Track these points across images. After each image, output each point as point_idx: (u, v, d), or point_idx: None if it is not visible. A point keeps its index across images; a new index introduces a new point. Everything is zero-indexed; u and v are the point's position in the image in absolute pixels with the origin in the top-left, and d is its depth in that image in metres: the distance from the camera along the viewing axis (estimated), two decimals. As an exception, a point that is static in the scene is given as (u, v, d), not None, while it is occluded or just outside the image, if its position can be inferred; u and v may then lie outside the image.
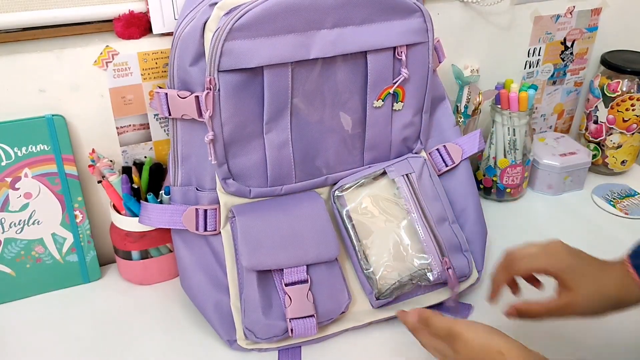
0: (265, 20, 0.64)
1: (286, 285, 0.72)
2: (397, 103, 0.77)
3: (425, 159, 0.81)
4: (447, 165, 0.83)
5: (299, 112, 0.73)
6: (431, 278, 0.75)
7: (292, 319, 0.71)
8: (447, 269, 0.75)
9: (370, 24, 0.70)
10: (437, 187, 0.80)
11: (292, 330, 0.71)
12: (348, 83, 0.74)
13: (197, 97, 0.68)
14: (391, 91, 0.76)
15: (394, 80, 0.75)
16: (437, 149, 0.83)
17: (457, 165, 0.83)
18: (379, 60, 0.73)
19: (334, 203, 0.77)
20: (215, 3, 0.66)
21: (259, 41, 0.65)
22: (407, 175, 0.78)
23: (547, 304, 0.66)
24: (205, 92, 0.67)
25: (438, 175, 0.83)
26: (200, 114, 0.69)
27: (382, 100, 0.76)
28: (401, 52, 0.73)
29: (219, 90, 0.67)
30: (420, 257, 0.76)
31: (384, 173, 0.79)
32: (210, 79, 0.66)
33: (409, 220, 0.77)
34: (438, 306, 0.79)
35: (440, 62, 0.81)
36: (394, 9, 0.71)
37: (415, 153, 0.82)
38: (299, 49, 0.67)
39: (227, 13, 0.65)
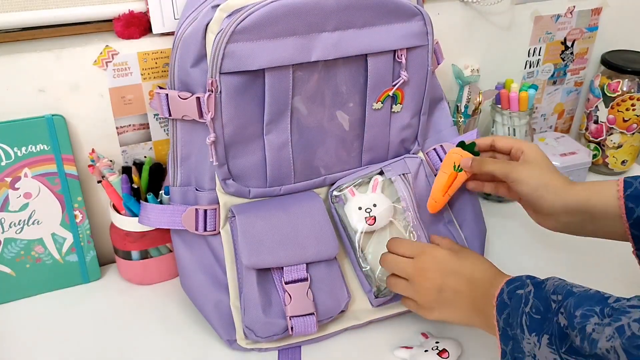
0: (267, 23, 0.64)
1: (286, 283, 0.72)
2: (396, 105, 0.78)
3: (422, 159, 0.81)
4: (445, 165, 0.83)
5: (299, 113, 0.73)
6: None
7: (292, 317, 0.71)
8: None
9: (372, 27, 0.70)
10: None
11: (292, 328, 0.71)
12: (348, 85, 0.74)
13: (198, 98, 0.68)
14: (390, 93, 0.76)
15: (394, 83, 0.76)
16: (434, 149, 0.84)
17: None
18: (379, 63, 0.73)
19: (332, 203, 0.77)
20: (218, 5, 0.66)
21: (261, 44, 0.65)
22: (403, 174, 0.78)
23: (498, 160, 0.77)
24: (207, 94, 0.67)
25: (435, 175, 0.83)
26: (200, 115, 0.69)
27: (382, 103, 0.76)
28: (401, 55, 0.74)
29: (220, 92, 0.67)
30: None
31: (381, 173, 0.79)
32: (212, 81, 0.66)
33: (405, 219, 0.77)
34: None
35: (438, 64, 0.81)
36: (395, 12, 0.71)
37: (413, 154, 0.82)
38: (300, 52, 0.67)
39: (230, 15, 0.65)
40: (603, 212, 0.68)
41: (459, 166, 0.77)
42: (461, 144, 0.79)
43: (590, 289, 0.54)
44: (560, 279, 0.58)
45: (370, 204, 0.75)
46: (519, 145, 0.76)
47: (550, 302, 0.55)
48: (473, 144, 0.79)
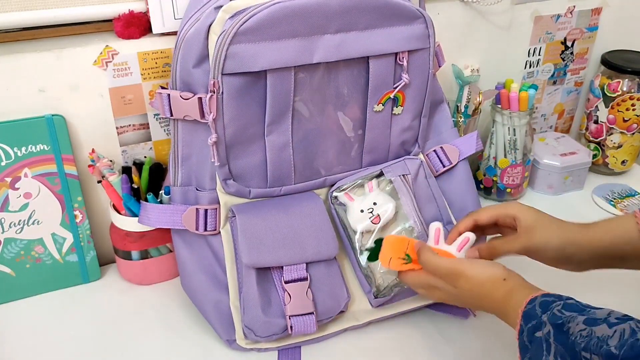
0: (269, 25, 0.64)
1: (286, 282, 0.72)
2: (396, 107, 0.78)
3: (422, 161, 0.81)
4: (444, 166, 0.83)
5: (300, 115, 0.73)
6: None
7: (292, 316, 0.71)
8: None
9: (373, 30, 0.70)
10: (433, 189, 0.81)
11: (291, 327, 0.71)
12: (349, 87, 0.74)
13: (200, 98, 0.68)
14: (392, 96, 0.76)
15: (395, 85, 0.76)
16: (434, 150, 0.84)
17: (455, 165, 0.84)
18: (381, 65, 0.73)
19: (332, 203, 0.78)
20: (221, 6, 0.66)
21: (263, 45, 0.65)
22: (403, 176, 0.78)
23: (507, 239, 0.71)
24: (209, 94, 0.67)
25: (436, 176, 0.83)
26: (202, 116, 0.69)
27: (383, 105, 0.76)
28: (402, 57, 0.74)
29: (222, 93, 0.67)
30: None
31: (381, 174, 0.79)
32: (214, 82, 0.66)
33: (406, 219, 0.77)
34: (439, 304, 0.79)
35: (440, 67, 0.81)
36: (397, 15, 0.71)
37: (413, 155, 0.82)
38: (302, 54, 0.67)
39: (232, 16, 0.65)
40: (631, 252, 0.66)
41: (407, 256, 0.70)
42: (373, 255, 0.74)
43: (624, 339, 0.48)
44: (576, 310, 0.53)
45: (370, 204, 0.76)
46: (505, 212, 0.72)
47: (582, 359, 0.50)
48: (374, 246, 0.73)
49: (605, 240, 0.67)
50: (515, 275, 0.63)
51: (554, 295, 0.57)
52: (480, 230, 0.73)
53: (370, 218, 0.75)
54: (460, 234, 0.71)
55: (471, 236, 0.70)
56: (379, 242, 0.73)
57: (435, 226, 0.72)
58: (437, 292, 0.67)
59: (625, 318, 0.51)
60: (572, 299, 0.56)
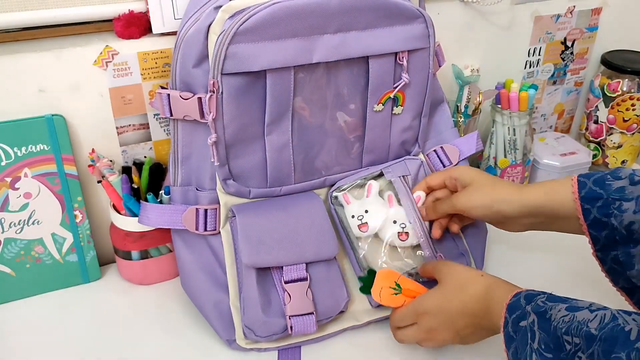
0: (269, 25, 0.64)
1: (286, 282, 0.72)
2: (396, 107, 0.78)
3: (422, 161, 0.81)
4: (444, 166, 0.83)
5: (300, 115, 0.73)
6: None
7: (292, 316, 0.71)
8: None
9: (373, 30, 0.70)
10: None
11: (291, 327, 0.71)
12: (349, 87, 0.74)
13: (199, 98, 0.68)
14: (392, 96, 0.76)
15: (395, 85, 0.76)
16: (435, 150, 0.84)
17: (455, 165, 0.84)
18: (381, 65, 0.73)
19: (332, 203, 0.78)
20: (220, 6, 0.66)
21: (263, 45, 0.65)
22: (403, 176, 0.79)
23: (443, 199, 0.76)
24: (209, 94, 0.67)
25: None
26: (202, 116, 0.69)
27: (383, 105, 0.76)
28: (402, 57, 0.74)
29: (222, 93, 0.67)
30: (417, 254, 0.76)
31: (381, 174, 0.79)
32: (213, 82, 0.66)
33: (406, 219, 0.77)
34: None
35: (440, 66, 0.81)
36: (397, 15, 0.71)
37: (413, 155, 0.82)
38: (302, 54, 0.67)
39: (232, 16, 0.65)
40: (562, 213, 0.67)
41: (397, 285, 0.71)
42: (365, 287, 0.74)
43: (605, 323, 0.50)
44: (559, 301, 0.55)
45: (362, 211, 0.76)
46: (449, 174, 0.76)
47: (564, 342, 0.52)
48: (366, 276, 0.74)
49: (539, 198, 0.69)
50: (490, 275, 0.66)
51: (538, 290, 0.59)
52: (433, 190, 0.79)
53: (358, 225, 0.75)
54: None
55: (422, 195, 0.77)
56: (371, 273, 0.74)
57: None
58: (427, 320, 0.68)
59: (606, 307, 0.52)
60: (555, 294, 0.57)
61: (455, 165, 0.82)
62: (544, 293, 0.58)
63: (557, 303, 0.55)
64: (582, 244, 0.68)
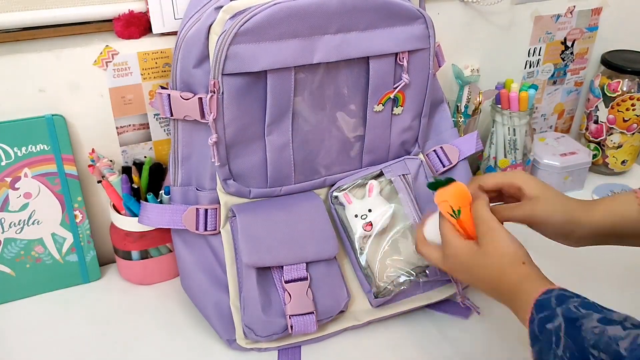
0: (270, 25, 0.64)
1: (286, 282, 0.72)
2: (397, 107, 0.78)
3: (422, 161, 0.81)
4: (444, 166, 0.83)
5: (301, 115, 0.73)
6: (428, 272, 0.76)
7: (292, 315, 0.71)
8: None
9: (374, 30, 0.70)
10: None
11: (291, 327, 0.71)
12: (349, 87, 0.74)
13: (200, 99, 0.68)
14: (392, 96, 0.76)
15: (395, 85, 0.76)
16: (434, 150, 0.84)
17: (454, 165, 0.84)
18: (381, 65, 0.73)
19: (332, 203, 0.78)
20: (221, 6, 0.66)
21: (264, 45, 0.65)
22: (403, 175, 0.79)
23: (511, 206, 0.70)
24: (210, 95, 0.67)
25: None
26: (202, 116, 0.69)
27: (383, 105, 0.76)
28: (403, 57, 0.74)
29: (222, 93, 0.67)
30: (417, 254, 0.76)
31: (381, 174, 0.79)
32: (214, 82, 0.66)
33: (406, 219, 0.77)
34: (439, 304, 0.79)
35: (440, 67, 0.81)
36: (397, 15, 0.71)
37: (413, 155, 0.82)
38: (302, 54, 0.67)
39: (233, 17, 0.65)
40: (631, 231, 0.66)
41: (458, 211, 0.68)
42: (435, 184, 0.69)
43: (636, 342, 0.47)
44: (593, 309, 0.52)
45: (365, 210, 0.76)
46: (511, 181, 0.71)
47: (589, 356, 0.49)
48: (443, 180, 0.69)
49: (606, 220, 0.67)
50: (533, 264, 0.62)
51: (573, 292, 0.56)
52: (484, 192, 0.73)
53: (362, 224, 0.75)
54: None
55: (414, 222, 0.74)
56: (450, 180, 0.69)
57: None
58: (454, 263, 0.65)
59: None
60: (589, 300, 0.55)
61: (513, 171, 0.75)
62: (578, 296, 0.55)
63: (590, 312, 0.52)
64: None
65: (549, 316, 0.54)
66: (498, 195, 0.74)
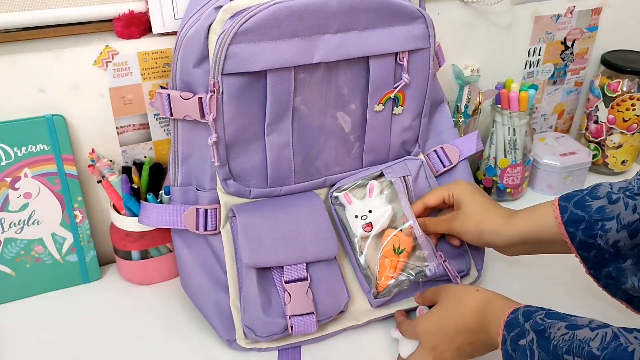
0: (270, 25, 0.64)
1: (286, 282, 0.72)
2: (397, 107, 0.78)
3: (422, 161, 0.81)
4: (444, 166, 0.83)
5: (301, 115, 0.73)
6: (428, 273, 0.75)
7: (292, 316, 0.71)
8: (443, 261, 0.76)
9: (374, 30, 0.70)
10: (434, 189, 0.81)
11: (292, 327, 0.71)
12: (349, 87, 0.74)
13: (200, 99, 0.68)
14: (392, 96, 0.76)
15: (395, 85, 0.76)
16: (435, 150, 0.84)
17: (455, 165, 0.84)
18: (381, 65, 0.73)
19: (332, 204, 0.78)
20: (221, 6, 0.66)
21: (263, 45, 0.65)
22: (403, 177, 0.79)
23: (437, 219, 0.77)
24: (209, 95, 0.67)
25: (436, 177, 0.83)
26: (202, 116, 0.69)
27: (383, 105, 0.76)
28: (403, 57, 0.74)
29: (222, 93, 0.67)
30: (417, 254, 0.76)
31: (381, 175, 0.79)
32: (214, 82, 0.66)
33: (406, 219, 0.77)
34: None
35: (440, 66, 0.81)
36: (398, 15, 0.71)
37: (413, 155, 0.82)
38: (302, 54, 0.67)
39: (232, 17, 0.65)
40: (549, 239, 0.68)
41: (399, 248, 0.75)
42: None
43: (606, 342, 0.49)
44: (558, 318, 0.54)
45: (365, 211, 0.76)
46: (448, 191, 0.76)
47: None
48: None
49: (523, 227, 0.70)
50: (486, 289, 0.66)
51: (536, 306, 0.58)
52: (432, 211, 0.80)
53: (362, 225, 0.75)
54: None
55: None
56: None
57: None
58: (428, 339, 0.68)
59: (607, 325, 0.51)
60: (553, 310, 0.57)
61: (454, 182, 0.79)
62: (543, 309, 0.57)
63: (556, 321, 0.54)
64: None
65: (519, 333, 0.56)
66: (446, 206, 0.79)
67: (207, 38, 0.68)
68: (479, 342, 0.64)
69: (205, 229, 0.75)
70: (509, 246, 0.72)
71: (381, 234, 0.76)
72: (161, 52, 0.80)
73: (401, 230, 0.76)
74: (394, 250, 0.75)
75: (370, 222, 0.75)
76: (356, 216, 0.76)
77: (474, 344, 0.64)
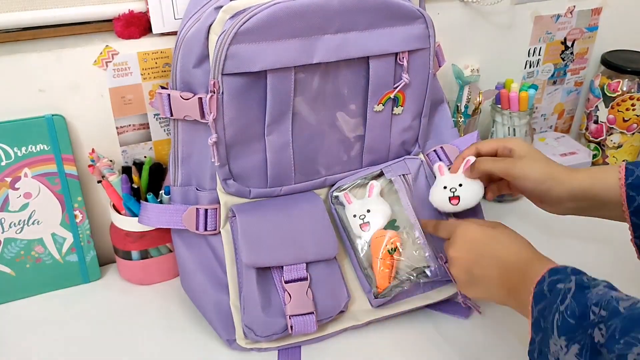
0: (270, 25, 0.64)
1: (286, 282, 0.72)
2: (397, 107, 0.78)
3: (422, 161, 0.81)
4: (444, 166, 0.83)
5: (301, 115, 0.73)
6: (429, 274, 0.75)
7: (292, 315, 0.71)
8: (444, 263, 0.76)
9: (374, 30, 0.70)
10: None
11: (291, 327, 0.71)
12: (349, 87, 0.74)
13: (200, 99, 0.68)
14: (392, 96, 0.76)
15: (395, 85, 0.76)
16: (435, 150, 0.84)
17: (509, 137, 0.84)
18: (381, 65, 0.73)
19: (332, 203, 0.78)
20: (221, 6, 0.66)
21: (264, 45, 0.65)
22: (403, 175, 0.79)
23: (495, 158, 0.75)
24: (209, 95, 0.67)
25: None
26: (202, 116, 0.69)
27: (383, 105, 0.76)
28: (403, 57, 0.74)
29: (222, 93, 0.67)
30: (418, 255, 0.76)
31: (381, 174, 0.79)
32: (214, 82, 0.66)
33: (406, 219, 0.77)
34: (439, 304, 0.79)
35: (440, 66, 0.81)
36: (397, 15, 0.71)
37: (413, 155, 0.82)
38: (302, 54, 0.67)
39: (233, 17, 0.65)
40: (606, 198, 0.68)
41: (392, 249, 0.75)
42: None
43: (636, 306, 0.49)
44: (607, 285, 0.54)
45: (364, 211, 0.76)
46: (504, 144, 0.75)
47: (590, 312, 0.51)
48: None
49: (585, 181, 0.69)
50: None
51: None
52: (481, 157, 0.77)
53: (360, 224, 0.75)
54: (463, 160, 0.76)
55: (471, 158, 0.76)
56: None
57: (438, 164, 0.78)
58: (459, 245, 0.68)
59: None
60: (608, 282, 0.56)
61: (509, 137, 0.81)
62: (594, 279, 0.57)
63: (601, 285, 0.54)
64: (582, 245, 0.69)
65: (561, 279, 0.56)
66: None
67: (207, 38, 0.68)
68: (509, 281, 0.62)
69: (205, 229, 0.75)
70: (567, 199, 0.70)
71: (379, 233, 0.76)
72: (161, 52, 0.80)
73: (400, 230, 0.76)
74: (390, 250, 0.74)
75: (368, 222, 0.75)
76: (354, 215, 0.76)
77: (501, 276, 0.63)
